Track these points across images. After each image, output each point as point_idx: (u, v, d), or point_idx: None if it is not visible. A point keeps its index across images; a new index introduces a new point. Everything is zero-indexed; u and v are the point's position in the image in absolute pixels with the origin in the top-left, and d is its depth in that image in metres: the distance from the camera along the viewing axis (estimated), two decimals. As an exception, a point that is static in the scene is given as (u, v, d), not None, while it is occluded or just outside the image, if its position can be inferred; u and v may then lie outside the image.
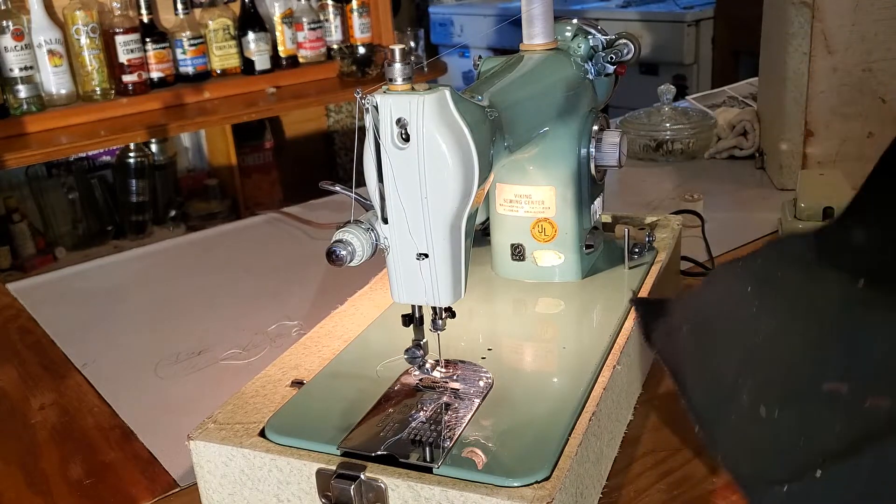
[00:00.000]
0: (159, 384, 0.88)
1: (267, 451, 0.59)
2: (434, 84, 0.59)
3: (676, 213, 1.11)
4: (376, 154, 0.59)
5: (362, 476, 0.56)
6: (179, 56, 2.43)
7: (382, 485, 0.55)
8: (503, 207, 0.82)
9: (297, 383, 0.68)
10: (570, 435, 0.58)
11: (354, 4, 2.71)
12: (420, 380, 0.66)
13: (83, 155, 2.43)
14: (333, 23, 2.69)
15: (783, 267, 0.69)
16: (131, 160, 2.48)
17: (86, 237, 2.45)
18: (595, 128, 0.79)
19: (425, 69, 2.46)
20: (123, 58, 2.30)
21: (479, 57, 0.81)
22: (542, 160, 0.78)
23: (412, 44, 2.82)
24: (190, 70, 2.44)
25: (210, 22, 2.46)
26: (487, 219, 0.84)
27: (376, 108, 0.58)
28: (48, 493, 0.72)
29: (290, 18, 2.59)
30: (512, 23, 0.86)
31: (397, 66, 0.57)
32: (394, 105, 0.57)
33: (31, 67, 2.17)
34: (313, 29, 2.62)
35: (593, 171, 0.80)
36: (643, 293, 0.78)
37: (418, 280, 0.61)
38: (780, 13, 1.23)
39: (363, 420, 0.62)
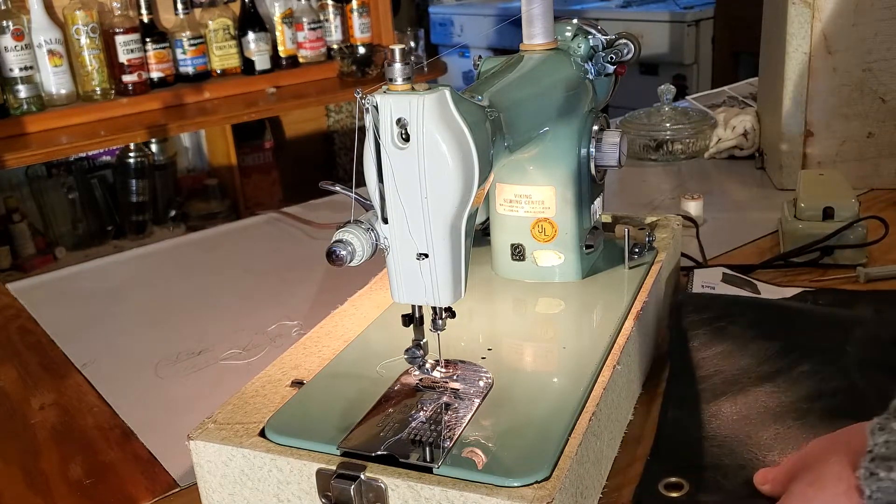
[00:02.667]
0: (159, 384, 0.88)
1: (267, 451, 0.59)
2: (434, 84, 0.59)
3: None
4: (376, 154, 0.59)
5: (362, 476, 0.56)
6: (179, 56, 2.42)
7: (382, 485, 0.55)
8: (503, 207, 0.82)
9: (297, 383, 0.68)
10: (570, 435, 0.58)
11: (354, 4, 2.71)
12: (420, 380, 0.66)
13: (83, 155, 2.43)
14: (333, 23, 2.69)
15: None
16: (131, 160, 2.48)
17: (86, 237, 2.45)
18: (595, 128, 0.79)
19: (425, 69, 2.46)
20: (123, 58, 2.30)
21: (479, 57, 0.81)
22: (542, 160, 0.78)
23: (412, 44, 2.82)
24: (190, 70, 2.44)
25: (210, 22, 2.46)
26: (487, 219, 0.84)
27: (376, 108, 0.58)
28: (48, 493, 0.72)
29: (290, 18, 2.59)
30: (512, 23, 0.86)
31: (397, 66, 0.57)
32: (394, 105, 0.57)
33: (31, 67, 2.17)
34: (313, 29, 2.62)
35: (593, 171, 0.80)
36: (643, 293, 0.78)
37: (418, 280, 0.61)
38: (780, 13, 1.23)
39: (363, 420, 0.62)
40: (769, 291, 0.92)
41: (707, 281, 0.91)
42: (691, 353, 0.76)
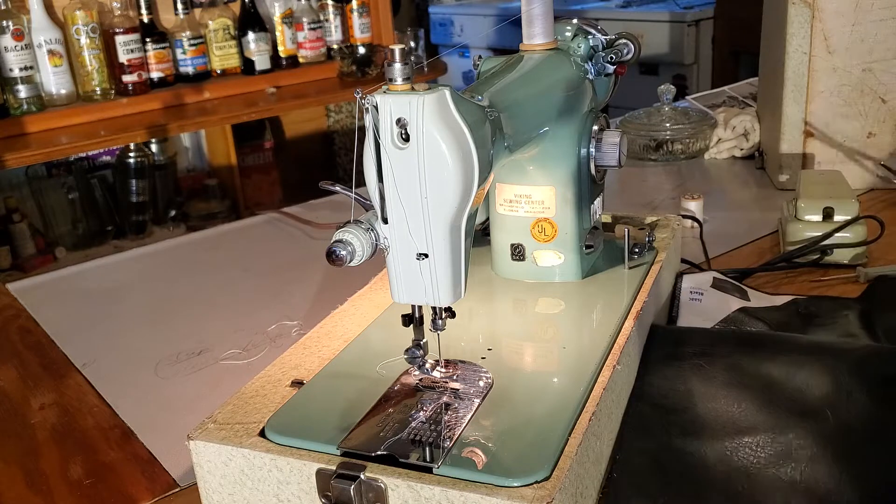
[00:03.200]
0: (159, 384, 0.88)
1: (267, 451, 0.59)
2: (434, 84, 0.59)
3: (675, 214, 1.11)
4: (376, 154, 0.59)
5: (362, 476, 0.56)
6: (179, 56, 2.42)
7: (382, 485, 0.55)
8: (503, 207, 0.82)
9: (297, 383, 0.68)
10: (570, 435, 0.58)
11: (354, 4, 2.71)
12: (420, 380, 0.66)
13: (83, 155, 2.43)
14: (333, 23, 2.69)
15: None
16: (131, 160, 2.48)
17: (86, 237, 2.45)
18: (595, 128, 0.79)
19: (425, 69, 2.46)
20: (123, 58, 2.30)
21: (479, 57, 0.81)
22: (542, 160, 0.78)
23: (412, 44, 2.82)
24: (190, 70, 2.44)
25: (210, 22, 2.46)
26: (487, 219, 0.84)
27: (376, 108, 0.58)
28: (48, 493, 0.72)
29: (290, 18, 2.59)
30: (512, 23, 0.86)
31: (397, 66, 0.57)
32: (394, 105, 0.57)
33: (31, 67, 2.17)
34: (313, 29, 2.62)
35: (593, 171, 0.80)
36: (643, 293, 0.78)
37: (418, 280, 0.61)
38: (780, 13, 1.23)
39: (363, 420, 0.62)
40: (759, 298, 0.91)
41: (696, 286, 0.90)
42: (662, 382, 0.73)
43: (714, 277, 0.93)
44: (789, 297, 0.92)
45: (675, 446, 0.67)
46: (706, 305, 0.88)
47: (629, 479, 0.64)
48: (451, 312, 0.65)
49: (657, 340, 0.77)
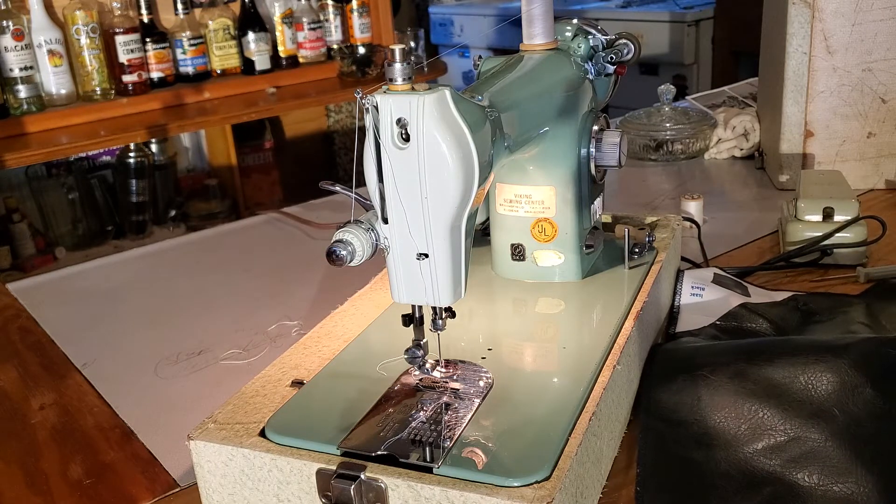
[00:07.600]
0: (159, 384, 0.88)
1: (267, 451, 0.59)
2: (434, 84, 0.59)
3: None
4: (376, 154, 0.59)
5: (362, 476, 0.56)
6: (179, 56, 2.43)
7: (382, 485, 0.55)
8: (503, 207, 0.82)
9: (297, 383, 0.68)
10: (570, 435, 0.58)
11: (354, 4, 2.71)
12: (420, 380, 0.66)
13: (83, 155, 2.43)
14: (333, 23, 2.69)
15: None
16: (131, 160, 2.48)
17: (86, 237, 2.45)
18: (595, 128, 0.79)
19: (425, 69, 2.46)
20: (123, 58, 2.30)
21: (479, 57, 0.81)
22: (542, 160, 0.78)
23: (412, 44, 2.81)
24: (190, 70, 2.44)
25: (210, 22, 2.46)
26: (487, 219, 0.84)
27: (376, 108, 0.58)
28: (48, 493, 0.72)
29: (290, 18, 2.59)
30: (512, 23, 0.86)
31: (397, 66, 0.57)
32: (394, 105, 0.57)
33: (31, 67, 2.17)
34: (313, 29, 2.62)
35: (593, 171, 0.80)
36: (643, 293, 0.78)
37: (418, 280, 0.61)
38: (780, 13, 1.23)
39: (363, 420, 0.62)
40: (759, 295, 0.91)
41: (697, 282, 0.91)
42: (669, 396, 0.72)
43: (715, 273, 0.93)
44: (789, 293, 0.92)
45: (692, 458, 0.67)
46: (707, 301, 0.88)
47: (655, 497, 0.64)
48: (451, 312, 0.65)
49: (657, 358, 0.77)
